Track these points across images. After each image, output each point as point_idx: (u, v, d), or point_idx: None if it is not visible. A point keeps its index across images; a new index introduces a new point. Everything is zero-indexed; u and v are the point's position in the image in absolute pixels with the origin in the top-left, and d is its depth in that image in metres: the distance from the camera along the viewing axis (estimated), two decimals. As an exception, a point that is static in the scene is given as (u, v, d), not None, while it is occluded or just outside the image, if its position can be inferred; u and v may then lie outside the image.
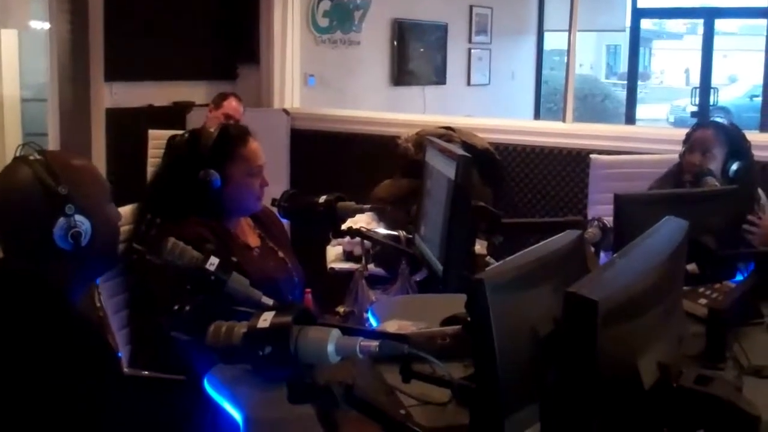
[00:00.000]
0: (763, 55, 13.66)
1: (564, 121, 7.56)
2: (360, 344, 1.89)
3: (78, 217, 2.19)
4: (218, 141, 3.39)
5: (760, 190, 4.30)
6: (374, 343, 1.89)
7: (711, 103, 14.21)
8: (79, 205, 2.20)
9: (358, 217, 3.83)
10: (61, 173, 2.20)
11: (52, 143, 6.98)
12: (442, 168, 3.00)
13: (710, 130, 4.27)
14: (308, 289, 3.61)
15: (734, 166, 4.15)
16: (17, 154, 2.26)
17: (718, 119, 4.51)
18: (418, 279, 3.88)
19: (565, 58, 8.42)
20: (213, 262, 2.47)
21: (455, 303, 2.47)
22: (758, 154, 4.54)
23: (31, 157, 2.22)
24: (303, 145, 7.42)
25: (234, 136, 3.45)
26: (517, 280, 1.85)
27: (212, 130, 3.45)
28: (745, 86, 20.52)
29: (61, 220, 2.17)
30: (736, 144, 4.22)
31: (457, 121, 6.93)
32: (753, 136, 4.45)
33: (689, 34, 23.97)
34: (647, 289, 1.72)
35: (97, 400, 1.99)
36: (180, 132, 3.58)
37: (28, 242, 2.19)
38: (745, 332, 2.96)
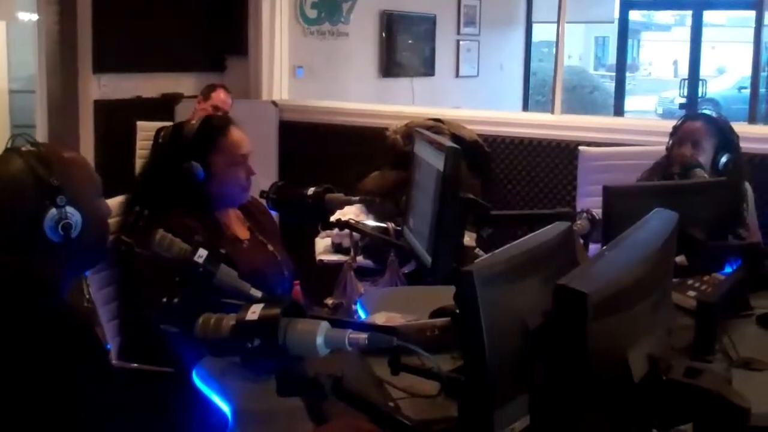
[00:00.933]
0: (751, 46, 13.66)
1: (552, 112, 7.57)
2: (349, 336, 1.89)
3: (69, 209, 2.18)
4: (199, 132, 3.39)
5: (747, 184, 4.30)
6: (363, 336, 1.89)
7: (699, 94, 14.25)
8: (70, 196, 2.19)
9: (347, 208, 3.84)
10: (53, 165, 2.20)
11: (41, 135, 6.98)
12: (430, 160, 3.00)
13: (700, 122, 4.25)
14: (297, 281, 3.61)
15: (723, 159, 4.13)
16: (9, 146, 2.25)
17: (707, 111, 4.50)
18: (406, 271, 3.88)
19: (554, 49, 8.43)
20: (201, 254, 2.47)
21: (444, 295, 2.47)
22: (747, 146, 4.55)
23: (24, 148, 2.22)
24: (291, 136, 7.41)
25: (215, 126, 3.45)
26: (506, 272, 1.85)
27: (194, 122, 3.46)
28: (734, 78, 20.61)
29: (53, 211, 2.16)
30: (724, 137, 4.20)
31: (446, 112, 6.93)
32: (742, 128, 4.44)
33: (678, 25, 24.06)
34: (637, 282, 1.72)
35: (86, 392, 1.98)
36: (168, 124, 3.58)
37: (18, 233, 2.18)
38: (734, 324, 2.96)
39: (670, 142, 4.30)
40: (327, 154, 7.12)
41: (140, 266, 3.08)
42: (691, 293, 3.15)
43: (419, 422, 2.10)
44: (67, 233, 2.18)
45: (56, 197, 2.17)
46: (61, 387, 1.93)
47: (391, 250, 3.73)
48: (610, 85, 18.31)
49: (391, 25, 10.43)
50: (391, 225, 3.75)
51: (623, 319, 1.66)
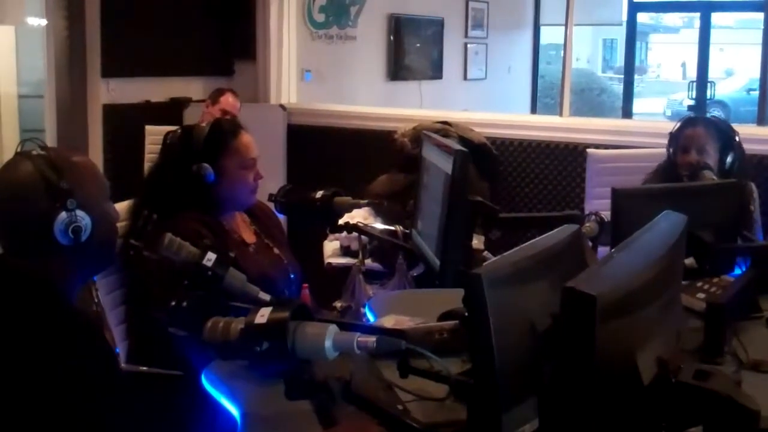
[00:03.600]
0: (760, 48, 13.63)
1: (561, 115, 7.55)
2: (357, 340, 1.89)
3: (79, 212, 2.19)
4: (210, 135, 3.39)
5: (752, 184, 4.29)
6: (371, 339, 1.89)
7: (708, 97, 14.23)
8: (80, 200, 2.20)
9: (355, 212, 3.83)
10: (63, 169, 2.21)
11: (50, 139, 6.98)
12: (439, 163, 3.00)
13: (701, 127, 4.23)
14: (305, 285, 3.61)
15: (729, 159, 4.13)
16: (18, 150, 2.26)
17: (710, 114, 4.49)
18: (415, 274, 3.88)
19: (562, 52, 8.41)
20: (210, 257, 2.47)
21: (452, 298, 2.46)
22: (756, 148, 4.54)
23: (34, 152, 2.23)
24: (299, 140, 7.42)
25: (226, 130, 3.45)
26: (514, 274, 1.84)
27: (204, 125, 3.46)
28: (742, 80, 20.59)
29: (63, 215, 2.17)
30: (726, 137, 4.20)
31: (454, 115, 6.93)
32: (750, 130, 4.44)
33: (686, 27, 24.04)
34: (646, 284, 1.71)
35: (95, 396, 1.99)
36: (177, 128, 3.57)
37: (28, 236, 2.19)
38: (743, 327, 2.95)
39: (671, 149, 4.27)
40: (335, 157, 7.13)
41: (149, 270, 3.08)
42: (701, 295, 3.14)
43: (428, 425, 2.10)
44: (77, 236, 2.18)
45: (66, 201, 2.17)
46: (70, 390, 1.93)
47: (400, 253, 3.72)
48: (619, 88, 18.29)
49: (398, 28, 10.43)
50: (399, 228, 3.75)
51: (632, 321, 1.66)
